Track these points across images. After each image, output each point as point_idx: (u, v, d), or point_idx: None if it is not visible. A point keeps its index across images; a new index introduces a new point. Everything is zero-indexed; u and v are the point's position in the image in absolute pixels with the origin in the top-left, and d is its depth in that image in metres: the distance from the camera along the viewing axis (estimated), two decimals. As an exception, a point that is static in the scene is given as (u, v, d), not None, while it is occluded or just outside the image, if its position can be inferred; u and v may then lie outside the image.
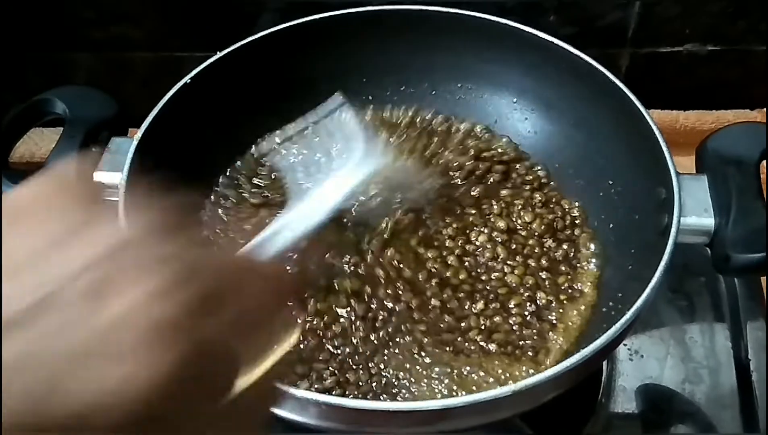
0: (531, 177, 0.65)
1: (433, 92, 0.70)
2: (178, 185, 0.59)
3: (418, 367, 0.54)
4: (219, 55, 0.62)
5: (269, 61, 0.64)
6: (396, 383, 0.53)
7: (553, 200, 0.64)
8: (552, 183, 0.65)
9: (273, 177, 0.64)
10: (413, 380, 0.53)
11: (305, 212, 0.45)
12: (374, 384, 0.53)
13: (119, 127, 0.59)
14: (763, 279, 0.67)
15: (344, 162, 0.50)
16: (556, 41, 0.62)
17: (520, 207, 0.63)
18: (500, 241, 0.61)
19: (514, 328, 0.56)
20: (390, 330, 0.55)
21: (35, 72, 0.83)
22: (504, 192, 0.64)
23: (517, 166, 0.66)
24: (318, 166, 0.57)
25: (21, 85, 0.83)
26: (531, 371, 0.53)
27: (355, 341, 0.55)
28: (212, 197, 0.64)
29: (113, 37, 0.80)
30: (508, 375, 0.53)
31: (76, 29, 0.80)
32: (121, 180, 0.54)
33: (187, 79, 0.60)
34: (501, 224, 0.62)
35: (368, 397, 0.52)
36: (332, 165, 0.53)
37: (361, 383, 0.53)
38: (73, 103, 0.58)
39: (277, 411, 0.45)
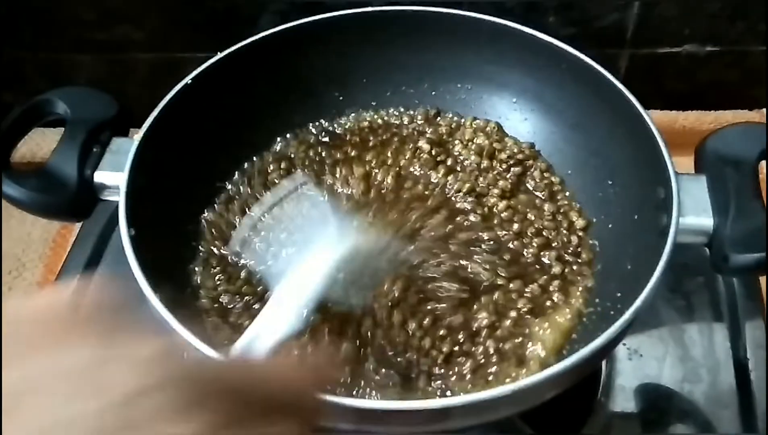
0: (545, 182, 0.65)
1: (433, 93, 0.71)
2: (180, 185, 0.60)
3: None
4: (220, 55, 0.62)
5: (270, 62, 0.65)
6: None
7: (562, 210, 0.64)
8: (563, 185, 0.65)
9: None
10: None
11: (289, 305, 0.46)
12: (376, 381, 0.53)
13: (120, 127, 0.59)
14: (762, 279, 0.68)
15: (313, 247, 0.50)
16: (555, 42, 0.62)
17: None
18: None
19: (514, 327, 0.56)
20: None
21: (36, 73, 0.84)
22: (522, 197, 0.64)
23: (531, 167, 0.66)
24: (288, 253, 0.57)
25: (22, 85, 0.83)
26: (530, 371, 0.53)
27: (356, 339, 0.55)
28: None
29: (114, 38, 0.80)
30: (507, 374, 0.53)
31: (77, 30, 0.80)
32: (122, 180, 0.54)
33: (188, 79, 0.60)
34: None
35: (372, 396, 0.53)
36: (302, 251, 0.53)
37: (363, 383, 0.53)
38: (74, 104, 0.58)
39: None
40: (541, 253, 0.60)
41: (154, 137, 0.57)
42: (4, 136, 0.56)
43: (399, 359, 0.54)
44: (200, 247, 0.61)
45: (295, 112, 0.68)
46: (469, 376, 0.53)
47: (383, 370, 0.53)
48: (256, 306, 0.57)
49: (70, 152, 0.56)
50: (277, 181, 0.65)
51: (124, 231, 0.51)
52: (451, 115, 0.70)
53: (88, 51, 0.82)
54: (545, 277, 0.59)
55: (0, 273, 0.70)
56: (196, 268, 0.60)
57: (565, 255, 0.60)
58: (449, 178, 0.65)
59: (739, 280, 0.67)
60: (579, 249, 0.61)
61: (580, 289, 0.58)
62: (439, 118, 0.70)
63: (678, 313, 0.66)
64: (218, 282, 0.59)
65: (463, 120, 0.70)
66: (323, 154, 0.67)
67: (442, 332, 0.55)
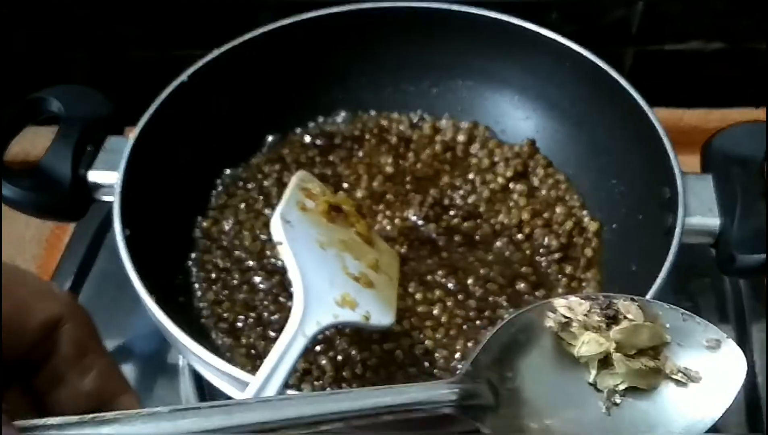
0: (551, 181, 0.65)
1: (434, 90, 0.70)
2: (176, 184, 0.59)
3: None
4: (216, 53, 0.61)
5: (267, 59, 0.64)
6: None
7: (573, 211, 0.63)
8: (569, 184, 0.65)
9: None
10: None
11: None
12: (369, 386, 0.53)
13: (115, 125, 0.59)
14: (769, 280, 0.67)
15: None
16: (559, 38, 0.62)
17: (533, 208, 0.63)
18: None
19: None
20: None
21: (31, 70, 0.83)
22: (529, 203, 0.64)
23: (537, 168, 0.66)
24: None
25: (16, 83, 0.82)
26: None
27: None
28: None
29: (109, 35, 0.80)
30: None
31: (72, 28, 0.80)
32: (117, 180, 0.53)
33: (183, 77, 0.59)
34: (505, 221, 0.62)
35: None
36: None
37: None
38: (68, 102, 0.58)
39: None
40: (551, 255, 0.60)
41: (149, 136, 0.56)
42: (-3, 135, 0.56)
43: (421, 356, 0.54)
44: (195, 253, 0.60)
45: (292, 111, 0.67)
46: None
47: (408, 368, 0.53)
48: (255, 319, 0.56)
49: (64, 151, 0.56)
50: (271, 182, 0.64)
51: (119, 231, 0.50)
52: (447, 118, 0.69)
53: (82, 48, 0.81)
54: (553, 277, 0.59)
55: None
56: (193, 271, 0.59)
57: (574, 256, 0.60)
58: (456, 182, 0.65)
59: (746, 281, 0.67)
60: (585, 250, 0.60)
61: (587, 290, 0.58)
62: (439, 122, 0.69)
63: (683, 314, 0.65)
64: (222, 297, 0.58)
65: (458, 122, 0.69)
66: (319, 155, 0.67)
67: (458, 321, 0.55)
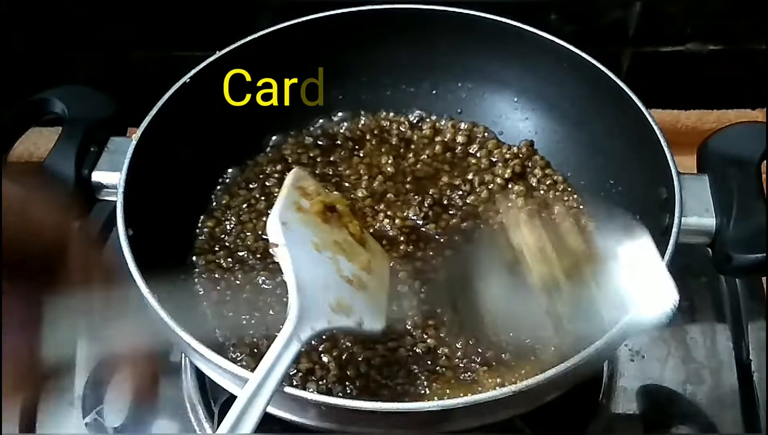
0: (549, 181, 0.65)
1: (434, 91, 0.70)
2: (178, 184, 0.59)
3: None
4: (218, 54, 0.62)
5: (268, 61, 0.64)
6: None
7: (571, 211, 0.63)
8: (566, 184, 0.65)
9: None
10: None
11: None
12: (373, 385, 0.53)
13: (118, 126, 0.59)
14: (765, 279, 0.67)
15: None
16: (557, 40, 0.62)
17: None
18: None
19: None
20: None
21: (34, 71, 0.83)
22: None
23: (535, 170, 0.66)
24: None
25: (19, 84, 0.82)
26: (531, 371, 0.53)
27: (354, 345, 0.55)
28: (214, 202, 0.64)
29: (110, 35, 0.80)
30: (508, 375, 0.53)
31: (73, 28, 0.80)
32: (120, 180, 0.54)
33: (186, 78, 0.60)
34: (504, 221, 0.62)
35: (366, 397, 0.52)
36: None
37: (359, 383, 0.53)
38: (71, 103, 0.58)
39: (275, 411, 0.45)
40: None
41: (152, 136, 0.56)
42: (1, 135, 0.56)
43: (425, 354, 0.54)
44: (198, 253, 0.61)
45: (294, 111, 0.68)
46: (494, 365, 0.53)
47: (411, 365, 0.53)
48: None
49: (67, 151, 0.56)
50: (273, 182, 0.65)
51: (122, 231, 0.50)
52: (446, 119, 0.70)
53: (84, 49, 0.81)
54: None
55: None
56: (197, 270, 0.59)
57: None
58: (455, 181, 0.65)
59: (742, 281, 0.67)
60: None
61: None
62: (439, 123, 0.70)
63: (680, 314, 0.65)
64: (225, 297, 0.58)
65: (457, 123, 0.69)
66: (320, 155, 0.67)
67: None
